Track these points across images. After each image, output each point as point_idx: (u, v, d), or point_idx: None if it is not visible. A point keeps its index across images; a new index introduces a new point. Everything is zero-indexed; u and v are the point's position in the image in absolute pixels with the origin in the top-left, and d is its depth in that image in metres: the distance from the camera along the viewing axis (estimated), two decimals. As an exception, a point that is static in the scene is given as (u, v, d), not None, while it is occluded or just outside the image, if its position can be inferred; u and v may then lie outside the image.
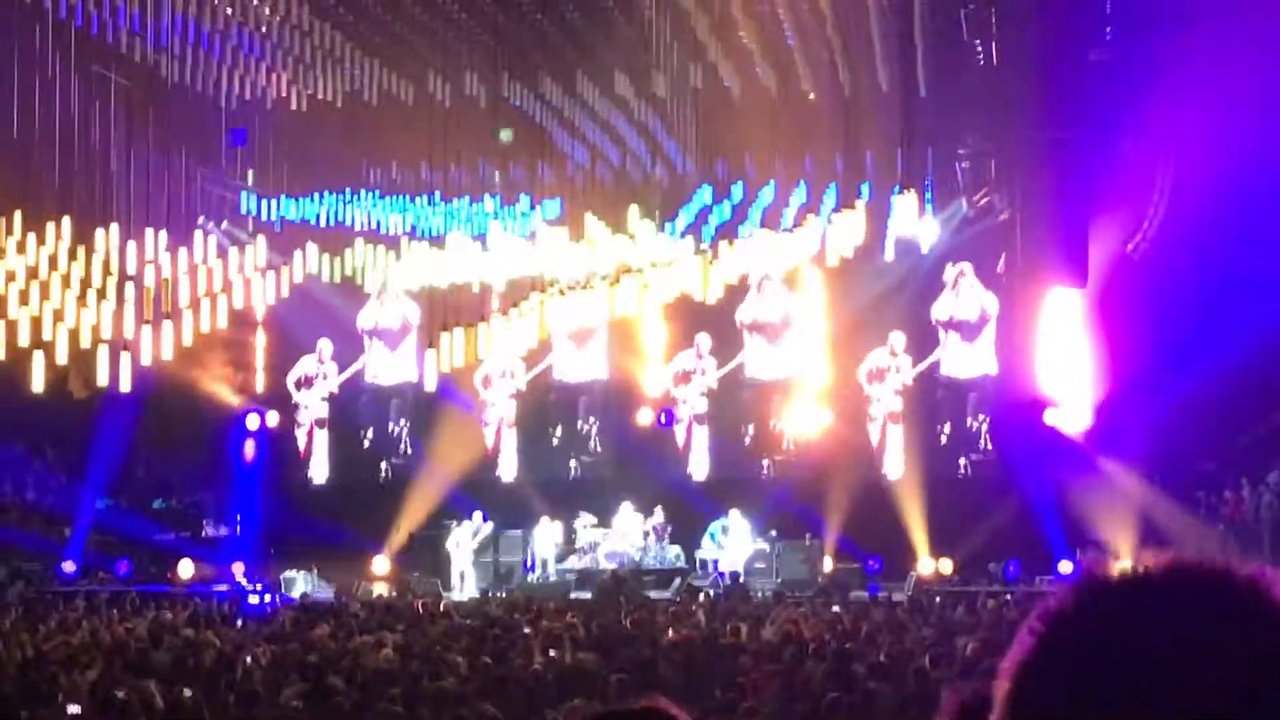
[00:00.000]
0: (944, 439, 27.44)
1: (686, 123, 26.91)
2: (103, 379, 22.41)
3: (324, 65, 25.45)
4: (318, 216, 28.15)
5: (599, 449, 28.64)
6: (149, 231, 24.52)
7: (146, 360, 22.80)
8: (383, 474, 29.14)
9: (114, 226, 24.02)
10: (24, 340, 22.11)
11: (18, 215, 23.12)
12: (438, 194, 27.72)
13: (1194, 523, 24.45)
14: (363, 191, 28.22)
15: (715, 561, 25.61)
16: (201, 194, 27.74)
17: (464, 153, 27.54)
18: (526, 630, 16.31)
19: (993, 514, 24.30)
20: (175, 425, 27.99)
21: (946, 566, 25.02)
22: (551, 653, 14.25)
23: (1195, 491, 25.39)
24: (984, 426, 27.17)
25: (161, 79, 25.20)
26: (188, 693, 11.75)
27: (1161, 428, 23.41)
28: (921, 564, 25.09)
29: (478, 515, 26.48)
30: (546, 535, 26.38)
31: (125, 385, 22.53)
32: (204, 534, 28.17)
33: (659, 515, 26.27)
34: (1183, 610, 1.39)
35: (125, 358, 22.03)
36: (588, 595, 23.31)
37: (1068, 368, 25.33)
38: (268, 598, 23.50)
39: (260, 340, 29.33)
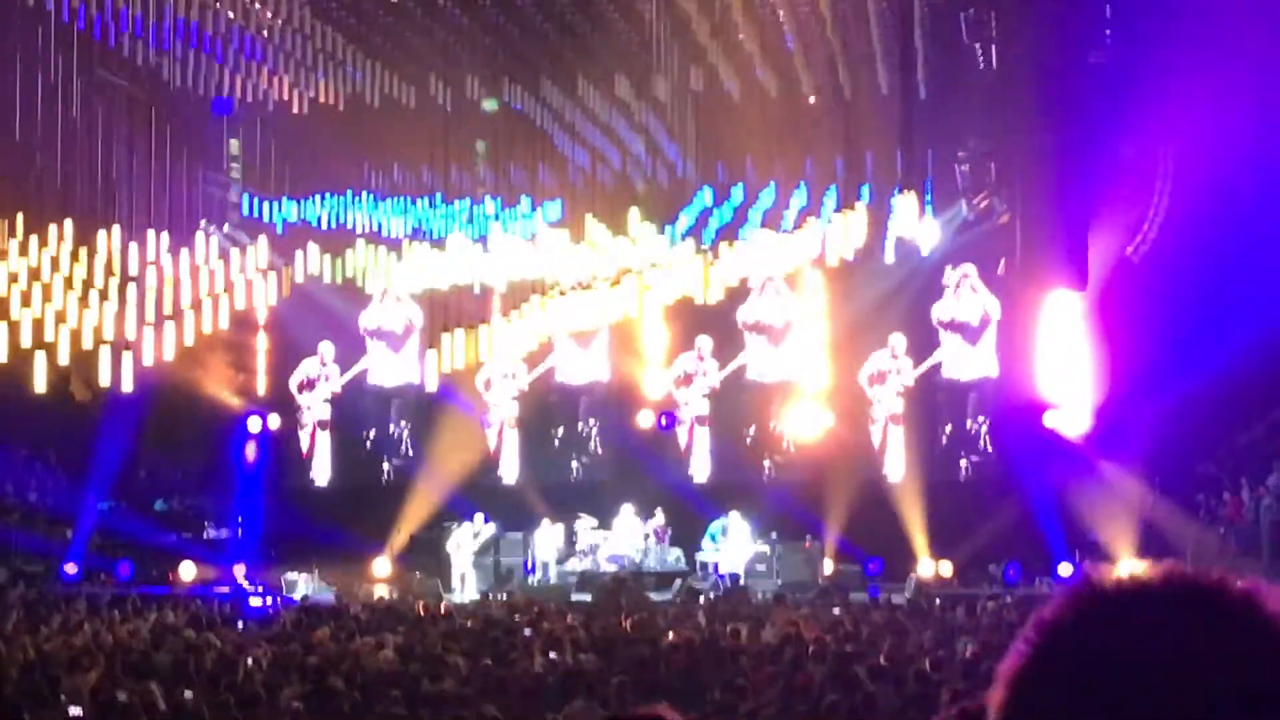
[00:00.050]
0: (944, 441, 27.47)
1: (687, 125, 26.95)
2: (104, 379, 22.50)
3: (325, 68, 25.50)
4: (319, 219, 28.19)
5: (600, 451, 28.67)
6: (150, 233, 24.59)
7: (148, 360, 22.88)
8: (385, 475, 29.17)
9: (115, 228, 24.08)
10: (26, 342, 22.17)
11: (20, 217, 23.18)
12: (439, 196, 27.77)
13: (1194, 525, 24.47)
14: (364, 193, 28.26)
15: (715, 564, 25.63)
16: (203, 197, 27.79)
17: (465, 155, 27.62)
18: (527, 632, 16.33)
19: (993, 516, 24.31)
20: (177, 427, 28.02)
21: (947, 569, 25.02)
22: (552, 655, 14.27)
23: (1195, 494, 25.40)
24: (984, 428, 27.19)
25: (163, 82, 25.27)
26: (189, 694, 11.78)
27: (1161, 430, 23.42)
28: (922, 566, 25.10)
29: (479, 517, 26.49)
30: (547, 537, 26.39)
31: (127, 385, 22.61)
32: (205, 536, 28.17)
33: (659, 518, 26.29)
34: (1177, 623, 1.40)
35: (127, 358, 22.11)
36: (588, 597, 23.32)
37: (1067, 370, 25.34)
38: (269, 599, 23.52)
39: (262, 343, 29.36)
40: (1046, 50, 24.08)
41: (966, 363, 27.28)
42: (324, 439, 29.35)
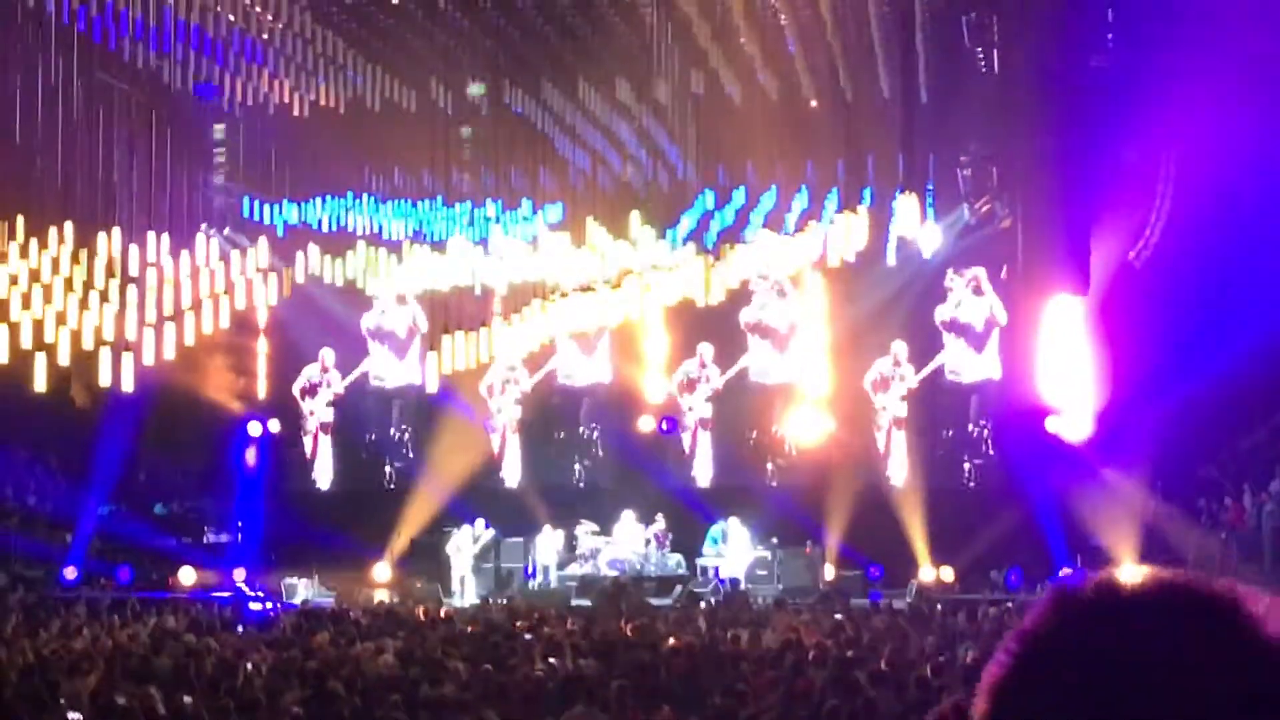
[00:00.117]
0: (946, 445, 27.45)
1: (688, 128, 26.95)
2: (105, 380, 22.46)
3: (326, 72, 25.49)
4: (319, 221, 28.19)
5: (601, 454, 28.64)
6: (150, 235, 24.57)
7: (149, 360, 22.85)
8: (386, 479, 29.15)
9: (116, 230, 24.06)
10: (26, 343, 22.14)
11: (20, 220, 23.17)
12: (439, 199, 27.76)
13: (1195, 531, 24.44)
14: (365, 196, 28.26)
15: (716, 569, 25.60)
16: (204, 199, 27.78)
17: (467, 158, 27.61)
18: (527, 637, 16.31)
19: (994, 522, 24.30)
20: (177, 431, 28.01)
21: (948, 574, 25.01)
22: (552, 660, 14.24)
23: (1197, 499, 25.39)
24: (986, 432, 27.17)
25: (164, 85, 25.24)
26: (188, 699, 11.75)
27: (1163, 435, 23.39)
28: (923, 572, 25.08)
29: (480, 522, 26.47)
30: (548, 542, 26.37)
31: (127, 386, 22.58)
32: (205, 540, 28.17)
33: (660, 523, 26.27)
34: (1157, 628, 1.39)
35: (128, 359, 22.08)
36: (589, 602, 23.30)
37: (1069, 375, 25.32)
38: (269, 604, 23.49)
39: (262, 347, 29.35)
40: (1048, 54, 24.07)
41: (970, 365, 27.26)
42: (325, 442, 29.34)
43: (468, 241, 27.88)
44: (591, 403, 28.68)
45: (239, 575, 25.83)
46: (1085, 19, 24.74)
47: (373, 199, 28.28)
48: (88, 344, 22.74)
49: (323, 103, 26.24)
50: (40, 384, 22.51)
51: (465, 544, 26.30)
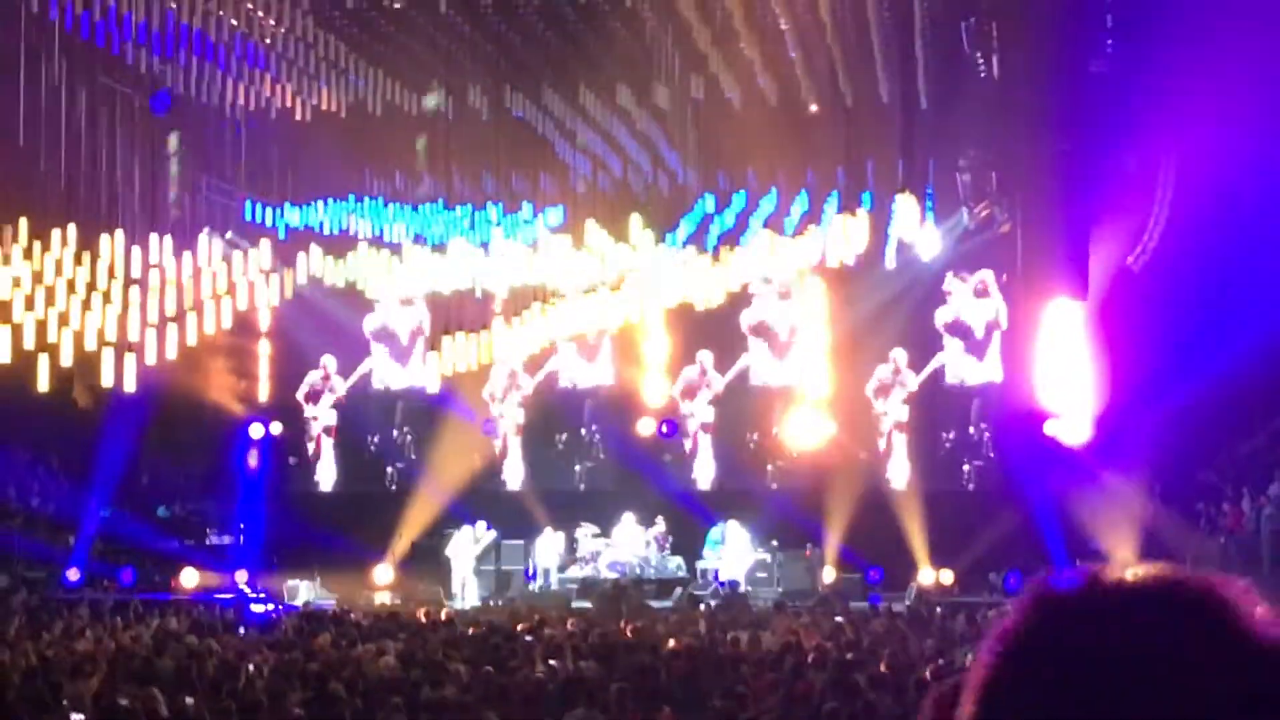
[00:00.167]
0: (947, 447, 27.49)
1: (688, 133, 27.01)
2: (107, 381, 22.54)
3: (328, 76, 25.57)
4: (321, 224, 28.25)
5: (602, 456, 28.69)
6: (153, 237, 24.65)
7: (151, 360, 22.93)
8: (388, 481, 29.19)
9: (119, 232, 24.15)
10: (29, 344, 22.23)
11: (23, 221, 23.26)
12: (440, 202, 27.83)
13: (1194, 534, 24.49)
14: (366, 199, 28.32)
15: (716, 571, 25.65)
16: (206, 203, 27.83)
17: (466, 162, 27.66)
18: (528, 639, 16.36)
19: (993, 525, 24.34)
20: (180, 433, 28.06)
21: (947, 577, 25.05)
22: (553, 662, 14.29)
23: (1195, 503, 25.43)
24: (986, 435, 27.22)
25: (166, 89, 25.30)
26: (191, 701, 11.81)
27: (1162, 439, 23.44)
28: (922, 574, 25.12)
29: (481, 524, 26.51)
30: (549, 545, 26.42)
31: (130, 387, 22.66)
32: (208, 542, 28.21)
33: (660, 525, 26.32)
34: (1137, 623, 1.39)
35: (130, 360, 22.17)
36: (589, 604, 23.35)
37: (1068, 379, 25.37)
38: (271, 606, 23.55)
39: (264, 349, 29.40)
40: (1047, 59, 24.12)
41: (970, 367, 27.31)
42: (327, 444, 29.40)
43: (469, 244, 27.94)
44: (592, 405, 28.72)
45: (241, 577, 25.88)
46: (1084, 24, 24.79)
47: (374, 202, 28.33)
48: (90, 345, 22.85)
49: (324, 107, 26.32)
50: (43, 385, 22.62)
51: (466, 546, 26.34)
